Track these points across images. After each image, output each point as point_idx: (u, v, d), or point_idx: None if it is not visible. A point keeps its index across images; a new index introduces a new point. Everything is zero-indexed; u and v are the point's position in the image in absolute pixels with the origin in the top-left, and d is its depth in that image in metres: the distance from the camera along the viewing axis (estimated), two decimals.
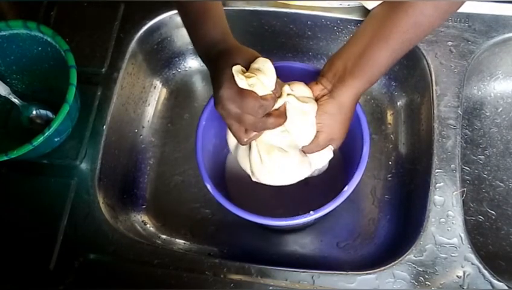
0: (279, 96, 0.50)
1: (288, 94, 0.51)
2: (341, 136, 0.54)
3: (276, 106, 0.50)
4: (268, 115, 0.49)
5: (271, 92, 0.48)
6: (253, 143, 0.53)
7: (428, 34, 0.54)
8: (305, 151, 0.55)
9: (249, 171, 0.56)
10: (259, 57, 0.49)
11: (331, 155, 0.57)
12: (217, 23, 0.53)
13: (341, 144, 0.55)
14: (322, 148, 0.55)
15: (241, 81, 0.46)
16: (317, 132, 0.53)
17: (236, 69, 0.46)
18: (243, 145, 0.53)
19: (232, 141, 0.58)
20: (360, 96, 0.54)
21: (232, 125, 0.49)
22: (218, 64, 0.48)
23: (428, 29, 0.52)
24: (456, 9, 0.53)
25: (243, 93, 0.46)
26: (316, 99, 0.53)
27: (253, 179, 0.56)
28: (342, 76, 0.52)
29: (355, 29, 0.75)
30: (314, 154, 0.56)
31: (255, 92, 0.46)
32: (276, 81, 0.49)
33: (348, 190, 0.55)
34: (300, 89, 0.53)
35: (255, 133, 0.50)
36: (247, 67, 0.48)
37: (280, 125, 0.51)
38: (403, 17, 0.50)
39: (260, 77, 0.46)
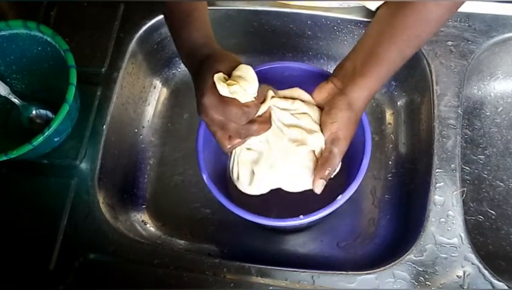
0: (263, 102, 0.50)
1: (272, 97, 0.51)
2: (350, 137, 0.52)
3: (260, 112, 0.50)
4: (252, 121, 0.49)
5: (253, 99, 0.48)
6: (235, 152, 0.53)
7: (437, 30, 0.53)
8: (327, 168, 0.51)
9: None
10: (241, 63, 0.49)
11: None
12: (200, 26, 0.53)
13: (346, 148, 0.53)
14: (347, 147, 0.51)
15: (223, 89, 0.46)
16: (335, 133, 0.51)
17: (218, 77, 0.46)
18: (226, 152, 0.52)
19: None
20: (371, 98, 0.53)
21: (216, 133, 0.49)
22: (200, 71, 0.48)
23: (436, 24, 0.52)
24: (463, 2, 0.53)
25: (225, 101, 0.46)
26: (328, 98, 0.53)
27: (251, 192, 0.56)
28: (352, 75, 0.52)
29: (356, 29, 0.75)
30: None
31: (237, 100, 0.46)
32: (260, 87, 0.49)
33: (342, 199, 0.54)
34: (293, 92, 0.53)
35: (238, 140, 0.50)
36: (229, 74, 0.48)
37: (265, 131, 0.50)
38: (409, 13, 0.50)
39: (242, 84, 0.46)
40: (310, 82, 0.57)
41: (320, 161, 0.51)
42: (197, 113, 0.49)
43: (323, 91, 0.54)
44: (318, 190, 0.51)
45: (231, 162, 0.55)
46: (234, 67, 0.48)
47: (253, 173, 0.53)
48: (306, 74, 0.61)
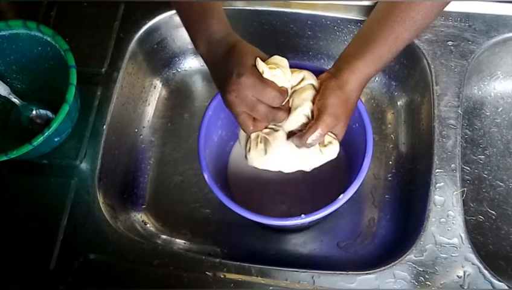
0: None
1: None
2: (343, 120, 0.52)
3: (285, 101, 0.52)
4: (279, 108, 0.50)
5: (286, 88, 0.50)
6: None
7: (433, 14, 0.53)
8: (307, 136, 0.51)
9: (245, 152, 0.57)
10: (266, 56, 0.51)
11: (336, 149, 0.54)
12: (220, 19, 0.54)
13: (343, 133, 0.53)
14: (329, 129, 0.51)
15: (267, 70, 0.48)
16: (319, 110, 0.51)
17: (260, 60, 0.48)
18: (248, 133, 0.53)
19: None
20: (364, 83, 0.53)
21: (241, 114, 0.50)
22: (230, 54, 0.50)
23: (431, 7, 0.52)
24: None
25: (265, 81, 0.48)
26: (322, 84, 0.53)
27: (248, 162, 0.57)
28: (345, 60, 0.53)
29: (356, 29, 0.75)
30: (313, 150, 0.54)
31: (275, 83, 0.49)
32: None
33: (343, 198, 0.54)
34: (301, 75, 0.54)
35: (262, 123, 0.52)
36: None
37: (286, 119, 0.52)
38: None
39: (282, 69, 0.49)
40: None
41: (302, 131, 0.52)
42: (222, 94, 0.50)
43: (320, 80, 0.54)
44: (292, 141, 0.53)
45: (243, 138, 0.56)
46: (262, 57, 0.50)
47: (266, 142, 0.54)
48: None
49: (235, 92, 0.48)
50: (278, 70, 0.49)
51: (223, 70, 0.50)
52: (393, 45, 0.53)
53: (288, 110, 0.52)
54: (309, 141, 0.51)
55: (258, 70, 0.48)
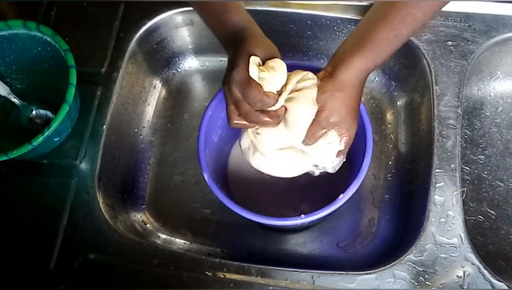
0: (280, 94, 0.51)
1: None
2: (348, 117, 0.52)
3: (276, 107, 0.51)
4: (265, 112, 0.50)
5: (275, 93, 0.50)
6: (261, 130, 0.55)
7: (432, 10, 0.52)
8: (307, 138, 0.53)
9: (249, 154, 0.57)
10: (278, 56, 0.51)
11: (341, 159, 0.56)
12: (239, 11, 0.54)
13: (355, 128, 0.53)
14: (325, 130, 0.52)
15: (254, 71, 0.48)
16: (317, 111, 0.52)
17: (253, 60, 0.48)
18: (230, 126, 0.53)
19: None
20: (364, 78, 0.53)
21: (229, 106, 0.51)
22: (239, 48, 0.50)
23: (432, 5, 0.51)
24: None
25: (249, 81, 0.48)
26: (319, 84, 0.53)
27: (252, 163, 0.57)
28: (341, 57, 0.53)
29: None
30: (318, 150, 0.54)
31: (261, 86, 0.48)
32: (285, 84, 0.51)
33: (343, 198, 0.55)
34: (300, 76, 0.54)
35: (245, 122, 0.51)
36: (263, 61, 0.50)
37: (272, 126, 0.52)
38: None
39: (271, 74, 0.49)
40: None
41: None
42: (222, 82, 0.51)
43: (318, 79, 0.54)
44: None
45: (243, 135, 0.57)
46: (271, 56, 0.50)
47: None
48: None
49: (226, 84, 0.49)
50: (265, 74, 0.48)
51: (229, 61, 0.51)
52: (393, 42, 0.53)
53: (278, 118, 0.51)
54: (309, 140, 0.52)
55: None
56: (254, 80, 0.48)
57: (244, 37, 0.51)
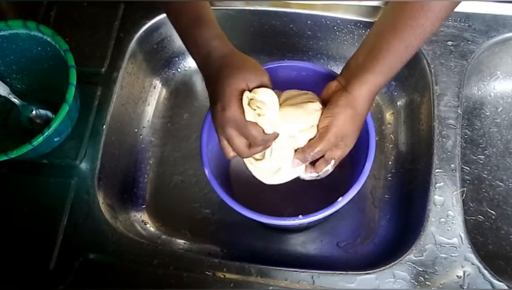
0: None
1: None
2: (352, 134, 0.52)
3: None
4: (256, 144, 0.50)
5: (276, 132, 0.50)
6: None
7: (441, 19, 0.52)
8: (307, 151, 0.52)
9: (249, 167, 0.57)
10: (261, 70, 0.50)
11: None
12: (210, 25, 0.53)
13: (351, 147, 0.53)
14: (333, 145, 0.52)
15: (249, 113, 0.47)
16: (326, 127, 0.51)
17: (246, 101, 0.47)
18: (227, 158, 0.53)
19: None
20: (376, 92, 0.53)
21: (222, 140, 0.50)
22: (219, 77, 0.49)
23: (440, 14, 0.51)
24: None
25: (247, 124, 0.47)
26: (331, 95, 0.53)
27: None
28: (355, 72, 0.52)
29: (356, 29, 0.75)
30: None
31: (259, 126, 0.48)
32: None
33: (343, 201, 0.55)
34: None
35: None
36: (249, 86, 0.48)
37: (260, 152, 0.52)
38: (411, 4, 0.50)
39: (267, 115, 0.48)
40: (317, 83, 0.58)
41: (305, 145, 0.53)
42: (212, 120, 0.50)
43: (329, 89, 0.54)
44: (293, 164, 0.54)
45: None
46: (255, 79, 0.48)
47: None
48: (315, 74, 0.61)
49: (220, 126, 0.49)
50: (263, 119, 0.48)
51: (213, 91, 0.50)
52: (403, 54, 0.52)
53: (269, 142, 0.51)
54: (305, 156, 0.52)
55: (242, 107, 0.47)
56: (251, 122, 0.48)
57: (219, 61, 0.50)
